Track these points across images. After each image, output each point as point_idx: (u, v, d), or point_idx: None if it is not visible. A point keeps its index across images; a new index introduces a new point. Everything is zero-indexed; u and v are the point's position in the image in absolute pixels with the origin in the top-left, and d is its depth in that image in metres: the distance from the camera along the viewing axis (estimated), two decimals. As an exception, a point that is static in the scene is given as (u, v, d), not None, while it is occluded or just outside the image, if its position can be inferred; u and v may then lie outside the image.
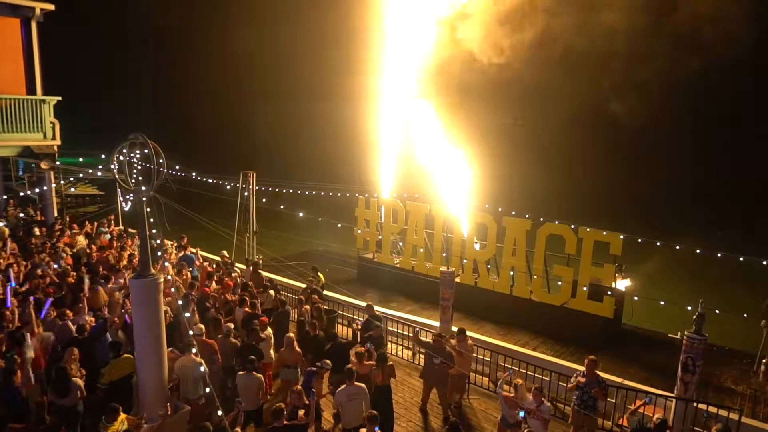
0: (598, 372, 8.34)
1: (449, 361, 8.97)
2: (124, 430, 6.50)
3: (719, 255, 14.56)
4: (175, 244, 14.87)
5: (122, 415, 6.64)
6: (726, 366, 13.03)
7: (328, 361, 8.35)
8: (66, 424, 6.89)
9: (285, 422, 6.63)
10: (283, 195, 19.52)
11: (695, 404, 8.75)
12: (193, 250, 14.78)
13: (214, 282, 12.10)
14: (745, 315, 13.10)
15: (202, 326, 9.13)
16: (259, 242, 18.09)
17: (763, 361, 12.67)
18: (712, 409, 8.49)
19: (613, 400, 9.27)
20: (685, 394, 8.69)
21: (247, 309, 10.47)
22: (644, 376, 12.19)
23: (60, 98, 16.42)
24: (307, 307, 11.10)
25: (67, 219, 16.38)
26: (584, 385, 8.15)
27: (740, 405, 10.60)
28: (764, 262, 13.68)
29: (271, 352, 9.57)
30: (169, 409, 7.53)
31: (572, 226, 14.92)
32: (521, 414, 7.47)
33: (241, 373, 8.03)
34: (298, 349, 9.10)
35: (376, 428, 6.50)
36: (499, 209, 16.69)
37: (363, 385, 7.81)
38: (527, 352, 11.65)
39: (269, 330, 9.68)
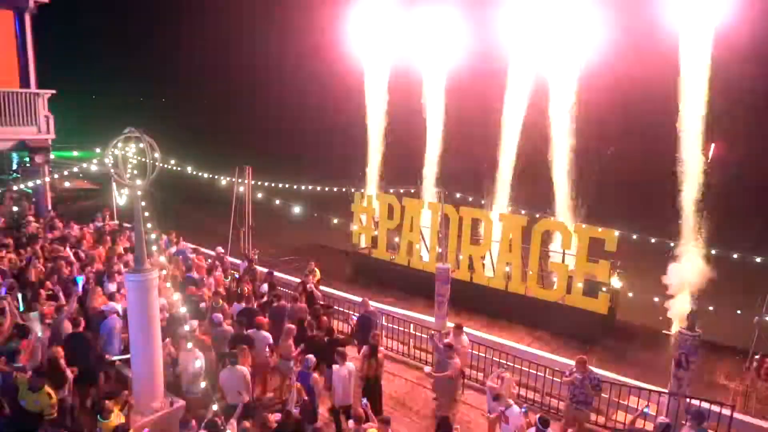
0: (591, 368, 8.40)
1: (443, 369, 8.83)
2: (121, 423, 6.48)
3: (713, 252, 14.66)
4: (165, 239, 14.75)
5: (116, 410, 6.63)
6: (719, 362, 13.12)
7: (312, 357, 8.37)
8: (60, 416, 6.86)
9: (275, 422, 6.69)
10: (295, 192, 19.47)
11: (688, 400, 8.80)
12: (191, 246, 14.71)
13: (212, 278, 12.07)
14: (738, 311, 13.19)
15: (195, 322, 9.13)
16: (256, 237, 18.06)
17: (756, 356, 12.76)
18: (705, 405, 8.55)
19: (606, 396, 9.32)
20: (678, 390, 8.74)
21: (242, 303, 10.46)
22: (638, 372, 12.25)
23: (54, 91, 16.30)
24: (304, 305, 11.08)
25: (52, 215, 16.11)
26: (578, 381, 8.20)
27: (732, 401, 10.67)
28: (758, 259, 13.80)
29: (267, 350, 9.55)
30: (163, 404, 7.54)
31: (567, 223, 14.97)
32: (523, 409, 7.49)
33: (224, 369, 8.03)
34: (290, 342, 9.12)
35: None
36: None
37: (351, 364, 8.28)
38: (522, 347, 11.69)
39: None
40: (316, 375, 8.08)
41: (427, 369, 9.00)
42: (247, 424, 6.59)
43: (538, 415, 6.95)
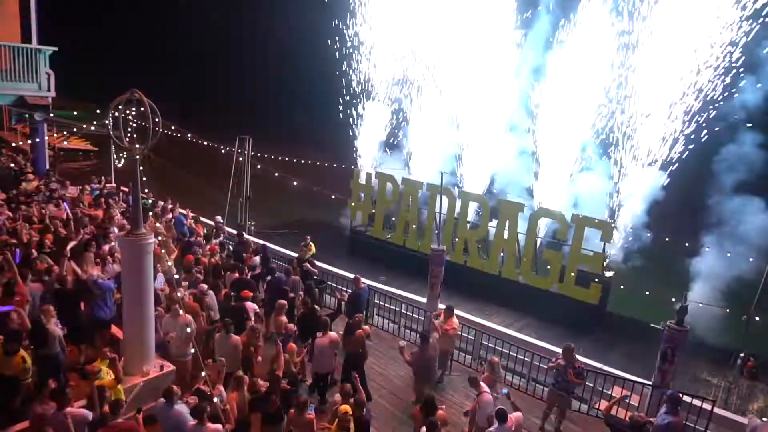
0: (577, 356, 8.48)
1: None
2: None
3: (707, 249, 14.71)
4: (162, 205, 14.70)
5: (104, 368, 6.69)
6: (704, 358, 13.28)
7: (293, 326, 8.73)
8: (49, 372, 6.90)
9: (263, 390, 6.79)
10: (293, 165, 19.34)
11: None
12: (183, 211, 14.67)
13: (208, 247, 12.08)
14: (727, 309, 13.30)
15: (184, 288, 9.19)
16: (253, 208, 18.03)
17: (741, 355, 12.93)
18: (687, 398, 8.67)
19: (591, 385, 9.44)
20: (661, 382, 8.85)
21: (236, 274, 10.50)
22: (624, 363, 12.39)
23: (56, 48, 16.04)
24: (297, 278, 11.12)
25: (49, 173, 15.93)
26: (562, 368, 8.30)
27: (714, 396, 10.83)
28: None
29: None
30: (154, 367, 7.61)
31: (564, 212, 14.99)
32: (504, 391, 7.58)
33: (218, 334, 8.11)
34: (284, 318, 9.19)
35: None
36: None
37: (335, 334, 8.53)
38: (511, 332, 11.79)
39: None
40: (292, 343, 8.25)
41: (402, 343, 9.12)
42: (240, 372, 6.82)
43: (497, 409, 6.86)
